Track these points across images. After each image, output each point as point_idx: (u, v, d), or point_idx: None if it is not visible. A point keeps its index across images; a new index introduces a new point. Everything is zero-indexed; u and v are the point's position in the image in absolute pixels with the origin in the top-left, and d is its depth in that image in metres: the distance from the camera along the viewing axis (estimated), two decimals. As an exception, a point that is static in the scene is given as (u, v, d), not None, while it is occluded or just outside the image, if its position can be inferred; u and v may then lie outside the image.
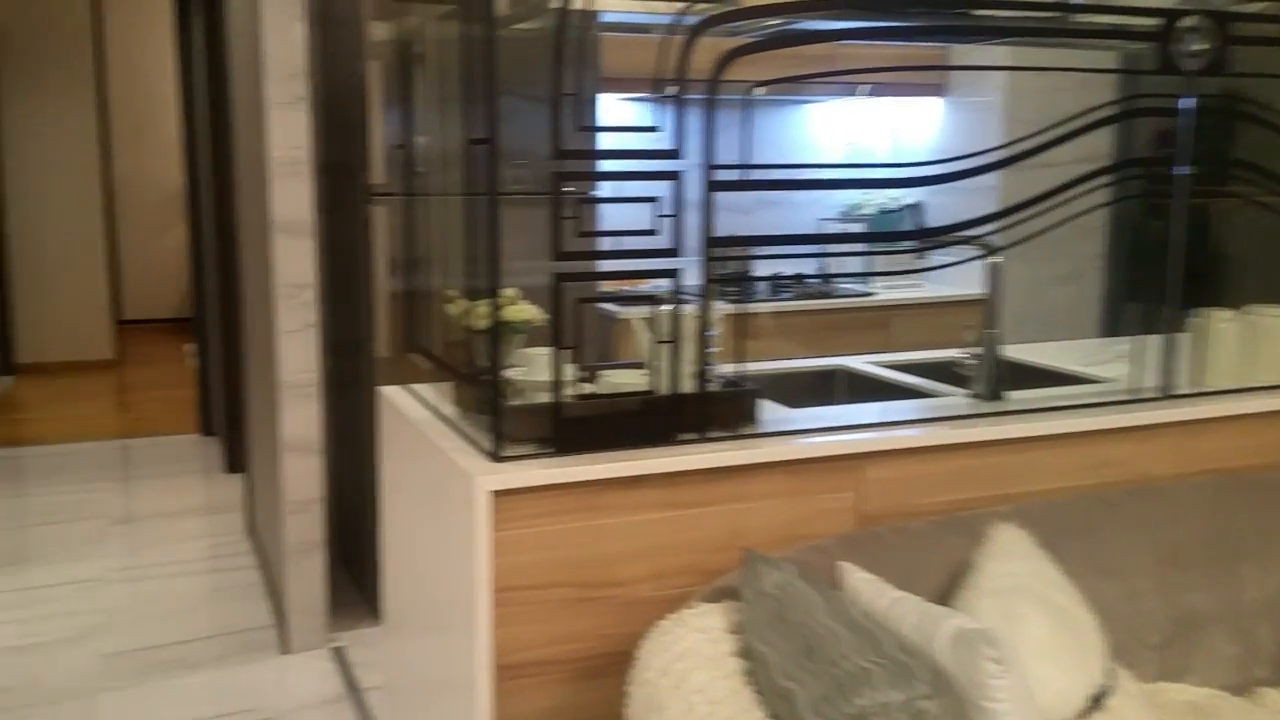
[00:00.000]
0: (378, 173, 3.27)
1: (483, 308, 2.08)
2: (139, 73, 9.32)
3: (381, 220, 3.29)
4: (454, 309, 2.13)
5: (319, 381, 3.29)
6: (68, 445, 5.83)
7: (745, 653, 1.59)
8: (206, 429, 6.01)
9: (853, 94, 4.57)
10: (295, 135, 3.17)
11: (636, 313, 2.12)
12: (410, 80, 2.40)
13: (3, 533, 4.47)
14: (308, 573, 3.35)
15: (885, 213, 4.63)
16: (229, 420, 5.33)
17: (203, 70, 5.29)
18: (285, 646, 3.36)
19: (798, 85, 4.22)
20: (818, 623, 1.52)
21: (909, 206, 4.66)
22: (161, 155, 9.56)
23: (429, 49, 2.40)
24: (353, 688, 3.17)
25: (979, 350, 2.36)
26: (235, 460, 5.33)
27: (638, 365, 2.17)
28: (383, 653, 2.86)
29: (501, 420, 1.87)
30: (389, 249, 3.31)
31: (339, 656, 3.34)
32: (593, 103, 2.80)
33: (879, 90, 4.55)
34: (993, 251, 2.34)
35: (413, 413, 2.23)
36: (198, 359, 6.08)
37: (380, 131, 3.24)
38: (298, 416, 3.28)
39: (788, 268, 4.18)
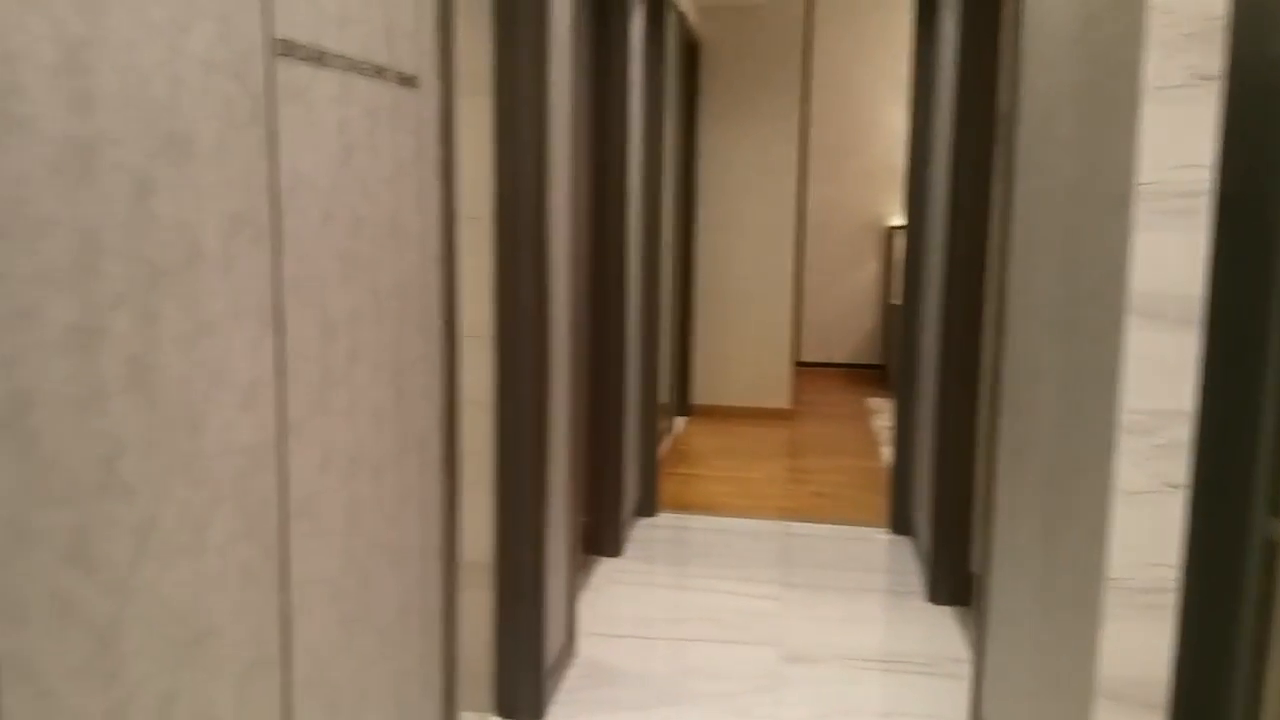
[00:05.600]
0: (1339, 214, 1.72)
1: None
2: (844, 96, 8.54)
3: (1329, 303, 1.74)
4: None
5: (1178, 586, 1.83)
6: (735, 520, 4.96)
7: None
8: (901, 526, 4.80)
9: None
10: (1187, 144, 1.74)
11: None
12: None
13: (661, 644, 3.59)
14: None
15: None
16: (938, 524, 4.07)
17: (950, 77, 4.09)
18: None
19: None
20: None
21: None
22: (857, 186, 8.72)
23: None
24: None
25: None
26: (946, 588, 4.04)
27: None
28: None
29: None
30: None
31: None
32: None
33: None
34: None
35: None
36: (893, 429, 4.93)
37: (1349, 137, 1.70)
38: (1130, 644, 1.85)
39: None
